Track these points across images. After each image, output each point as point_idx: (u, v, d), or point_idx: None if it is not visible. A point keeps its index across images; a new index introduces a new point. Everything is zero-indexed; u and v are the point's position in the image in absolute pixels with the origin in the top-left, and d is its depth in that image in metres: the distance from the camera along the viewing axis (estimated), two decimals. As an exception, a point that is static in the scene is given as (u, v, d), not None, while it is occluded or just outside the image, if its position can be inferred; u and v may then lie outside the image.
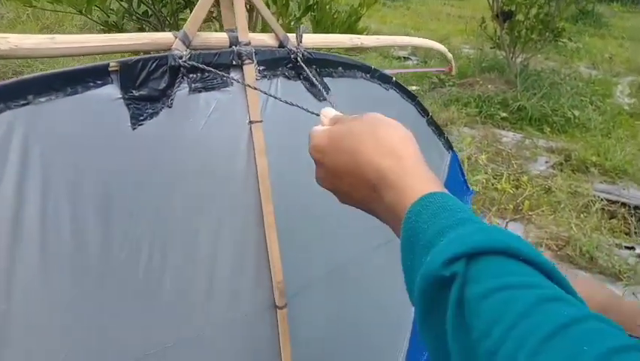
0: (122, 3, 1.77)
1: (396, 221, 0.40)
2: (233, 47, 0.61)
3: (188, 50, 0.56)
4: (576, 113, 4.13)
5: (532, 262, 0.34)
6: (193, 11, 0.56)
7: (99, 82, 0.50)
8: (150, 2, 1.72)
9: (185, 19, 1.89)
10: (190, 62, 0.56)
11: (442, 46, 1.11)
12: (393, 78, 0.88)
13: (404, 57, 5.53)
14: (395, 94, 0.91)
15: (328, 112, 0.53)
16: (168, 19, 1.79)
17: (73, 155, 0.51)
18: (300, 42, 0.70)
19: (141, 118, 0.54)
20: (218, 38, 0.60)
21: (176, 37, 0.55)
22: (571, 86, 4.63)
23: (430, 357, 0.37)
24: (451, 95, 4.43)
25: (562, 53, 5.97)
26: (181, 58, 0.55)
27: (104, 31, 1.80)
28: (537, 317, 0.30)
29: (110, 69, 0.51)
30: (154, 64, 0.54)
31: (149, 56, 0.54)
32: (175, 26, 1.81)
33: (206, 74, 0.58)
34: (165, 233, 0.61)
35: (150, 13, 1.77)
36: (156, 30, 1.81)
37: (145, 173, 0.57)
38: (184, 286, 0.64)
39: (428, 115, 1.01)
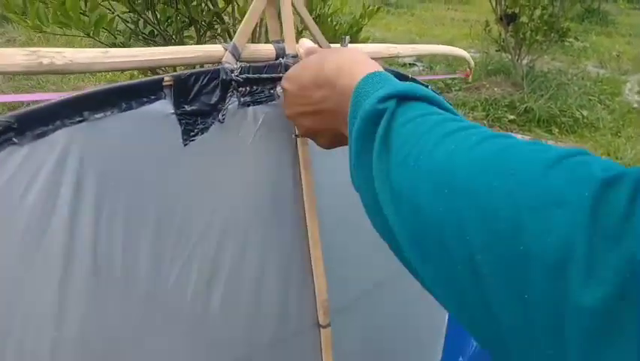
0: (129, 24, 1.77)
1: (347, 105, 0.44)
2: (280, 59, 0.59)
3: (239, 64, 0.54)
4: (584, 112, 4.11)
5: (452, 112, 0.40)
6: (242, 23, 0.55)
7: (153, 97, 0.48)
8: (156, 22, 1.73)
9: (190, 37, 1.90)
10: (242, 76, 0.54)
11: (467, 53, 1.11)
12: (429, 87, 0.86)
13: (410, 64, 5.52)
14: (428, 102, 0.90)
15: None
16: (174, 37, 1.79)
17: (127, 172, 0.49)
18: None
19: (192, 134, 0.52)
20: (266, 50, 0.58)
21: (226, 50, 0.53)
22: (578, 86, 4.62)
23: (362, 199, 0.43)
24: (457, 99, 4.41)
25: (569, 53, 5.95)
26: (232, 72, 0.53)
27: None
28: (442, 126, 0.36)
29: (163, 84, 0.49)
30: (206, 78, 0.52)
31: (200, 69, 0.52)
32: (181, 44, 1.82)
33: (255, 87, 0.57)
34: (213, 252, 0.59)
35: (156, 32, 1.78)
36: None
37: (195, 190, 0.55)
38: (232, 307, 0.62)
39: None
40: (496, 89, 4.53)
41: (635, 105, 4.53)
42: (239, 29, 0.55)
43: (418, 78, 0.88)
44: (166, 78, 0.49)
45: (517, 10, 4.46)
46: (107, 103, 0.46)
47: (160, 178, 0.52)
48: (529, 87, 4.43)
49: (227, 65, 0.54)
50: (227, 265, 0.61)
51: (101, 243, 0.48)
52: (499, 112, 4.14)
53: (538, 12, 4.46)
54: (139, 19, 1.75)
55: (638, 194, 0.25)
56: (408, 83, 0.41)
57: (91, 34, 1.43)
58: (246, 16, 0.55)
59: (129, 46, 1.74)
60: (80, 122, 0.44)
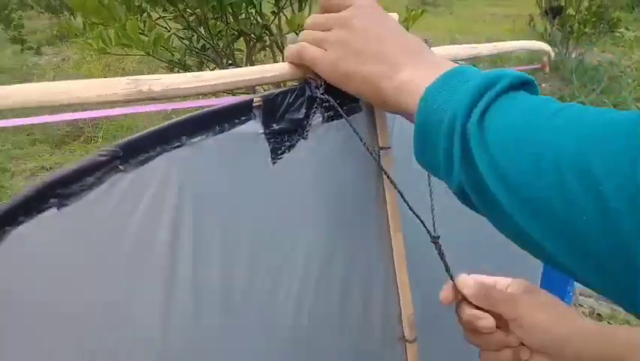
0: (184, 41, 1.83)
1: (404, 97, 0.44)
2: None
3: (322, 79, 0.53)
4: (641, 105, 3.94)
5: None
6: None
7: (244, 118, 0.49)
8: (208, 37, 1.77)
9: (239, 50, 1.94)
10: (327, 96, 0.53)
11: (546, 45, 1.08)
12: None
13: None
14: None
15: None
16: (224, 50, 1.85)
17: (220, 194, 0.49)
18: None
19: (280, 152, 0.52)
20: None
21: (309, 66, 0.53)
22: (632, 78, 4.42)
23: (469, 195, 0.41)
24: (505, 97, 4.31)
25: (619, 44, 5.71)
26: (317, 88, 0.53)
27: (169, 69, 1.88)
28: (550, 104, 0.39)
29: (253, 104, 0.49)
30: (292, 96, 0.51)
31: (286, 88, 0.51)
32: (232, 56, 1.87)
33: (337, 101, 0.56)
34: (301, 267, 0.59)
35: (207, 46, 1.83)
36: (214, 62, 1.87)
37: (282, 207, 0.55)
38: (319, 320, 0.62)
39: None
40: (544, 84, 4.40)
41: (696, 94, 4.30)
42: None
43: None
44: (256, 99, 0.49)
45: (563, 3, 4.33)
46: (202, 127, 0.46)
47: (250, 197, 0.52)
48: (580, 81, 4.28)
49: (311, 82, 0.53)
50: (314, 280, 0.61)
51: (200, 266, 0.49)
52: (549, 108, 4.02)
53: (585, 3, 4.32)
54: (192, 35, 1.82)
55: None
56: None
57: (150, 53, 1.51)
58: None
59: (184, 61, 1.80)
60: (179, 147, 0.45)
